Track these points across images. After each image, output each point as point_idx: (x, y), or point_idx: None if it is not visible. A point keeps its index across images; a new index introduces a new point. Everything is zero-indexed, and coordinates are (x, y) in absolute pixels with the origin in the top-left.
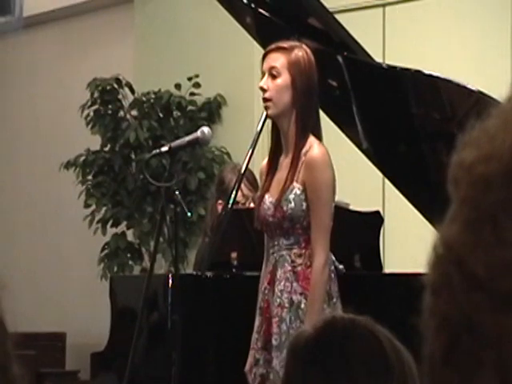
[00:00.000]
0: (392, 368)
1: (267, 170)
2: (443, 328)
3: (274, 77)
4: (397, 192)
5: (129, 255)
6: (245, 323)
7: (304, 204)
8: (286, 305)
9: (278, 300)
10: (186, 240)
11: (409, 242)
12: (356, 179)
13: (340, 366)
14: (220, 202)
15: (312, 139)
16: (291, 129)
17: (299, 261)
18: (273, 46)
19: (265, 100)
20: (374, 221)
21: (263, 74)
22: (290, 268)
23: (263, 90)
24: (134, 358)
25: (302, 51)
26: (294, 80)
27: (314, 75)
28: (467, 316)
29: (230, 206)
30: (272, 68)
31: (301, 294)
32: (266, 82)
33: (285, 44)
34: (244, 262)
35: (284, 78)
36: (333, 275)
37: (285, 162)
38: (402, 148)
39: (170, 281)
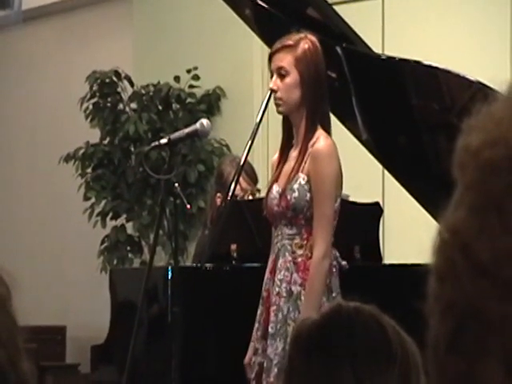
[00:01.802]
0: (395, 356)
1: (278, 162)
2: (448, 314)
3: (282, 76)
4: (396, 183)
5: (128, 248)
6: (245, 315)
7: (308, 194)
8: (284, 294)
9: (277, 289)
10: (185, 232)
11: (408, 233)
12: (356, 171)
13: (343, 353)
14: (219, 195)
15: (320, 131)
16: (302, 122)
17: (300, 252)
18: (278, 45)
19: (276, 101)
20: (373, 212)
21: (272, 75)
22: (290, 258)
23: (273, 91)
24: (134, 350)
25: (307, 43)
26: (302, 76)
27: (321, 64)
28: (472, 302)
29: (229, 198)
30: (280, 68)
31: (300, 284)
32: (275, 83)
33: (289, 41)
34: (244, 253)
35: (292, 76)
36: (334, 270)
37: (293, 153)
38: (401, 139)
39: (170, 273)
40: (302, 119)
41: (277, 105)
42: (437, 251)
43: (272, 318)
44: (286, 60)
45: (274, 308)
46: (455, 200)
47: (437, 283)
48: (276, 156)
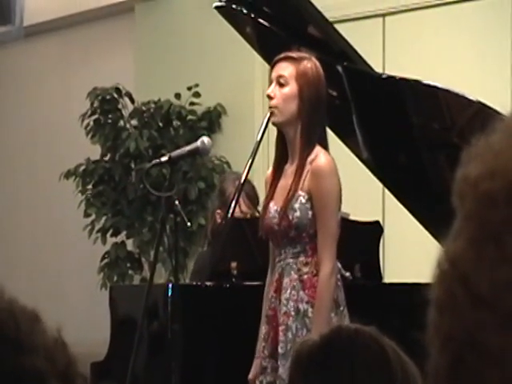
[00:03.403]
0: (395, 378)
1: (272, 178)
2: (447, 345)
3: (281, 85)
4: (397, 202)
5: (129, 265)
6: (245, 332)
7: (310, 212)
8: (292, 313)
9: (284, 308)
10: (186, 249)
11: (408, 252)
12: (356, 189)
13: (343, 374)
14: (219, 211)
15: (318, 148)
16: (297, 138)
17: (305, 269)
18: (282, 55)
19: (271, 108)
20: (373, 231)
21: (271, 82)
22: (296, 277)
23: (270, 98)
24: (134, 367)
25: (310, 63)
26: (301, 90)
27: (321, 87)
28: (471, 333)
29: (228, 217)
30: (280, 76)
31: (307, 302)
32: (273, 90)
33: (294, 54)
34: (244, 271)
35: (291, 88)
36: (339, 283)
37: (290, 169)
38: (401, 158)
39: (170, 290)
40: (297, 135)
41: (272, 114)
42: (436, 282)
43: (281, 337)
44: (287, 70)
45: (282, 328)
46: (454, 230)
47: (436, 314)
48: (269, 172)
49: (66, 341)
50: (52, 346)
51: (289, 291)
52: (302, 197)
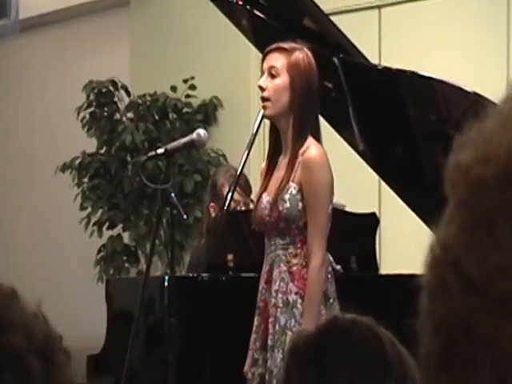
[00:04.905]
0: (391, 368)
1: (266, 170)
2: (439, 330)
3: (272, 76)
4: (393, 194)
5: (125, 258)
6: (241, 325)
7: (300, 204)
8: (280, 305)
9: (273, 300)
10: (182, 242)
11: (405, 244)
12: (352, 181)
13: (339, 365)
14: (212, 204)
15: (310, 140)
16: (289, 130)
17: (294, 261)
18: (274, 46)
19: (263, 99)
20: (370, 222)
21: (262, 73)
22: (285, 268)
23: (261, 89)
24: (130, 360)
25: (302, 54)
26: (292, 81)
27: (313, 78)
28: (463, 319)
29: (224, 209)
30: (271, 67)
31: (296, 293)
32: (264, 80)
33: (286, 45)
34: (240, 263)
35: (283, 79)
36: (330, 276)
37: (283, 161)
38: (397, 149)
39: (166, 283)
40: (289, 127)
41: (264, 107)
42: (428, 267)
43: (270, 329)
44: (279, 61)
45: (271, 319)
46: (446, 216)
47: (428, 300)
48: (264, 164)
49: (46, 316)
50: (30, 323)
51: (278, 283)
52: (292, 188)
